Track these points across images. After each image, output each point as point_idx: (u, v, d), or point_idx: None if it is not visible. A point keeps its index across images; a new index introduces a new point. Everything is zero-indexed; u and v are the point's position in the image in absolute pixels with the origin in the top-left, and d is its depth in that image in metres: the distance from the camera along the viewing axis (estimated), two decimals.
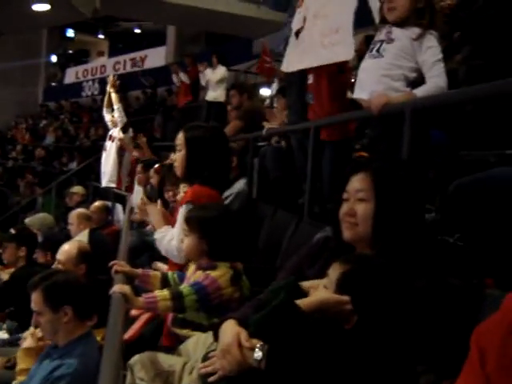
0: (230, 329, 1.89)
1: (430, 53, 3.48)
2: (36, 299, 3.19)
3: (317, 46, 4.36)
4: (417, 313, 1.82)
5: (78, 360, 2.98)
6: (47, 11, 8.96)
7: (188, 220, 2.89)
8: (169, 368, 2.27)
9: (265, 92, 12.14)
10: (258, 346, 1.74)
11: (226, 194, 4.94)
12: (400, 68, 3.58)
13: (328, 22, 4.31)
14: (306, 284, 1.94)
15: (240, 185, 5.52)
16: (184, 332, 2.70)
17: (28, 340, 3.64)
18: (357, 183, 2.12)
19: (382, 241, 2.03)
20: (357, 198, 2.10)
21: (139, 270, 3.04)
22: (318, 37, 4.37)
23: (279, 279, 2.26)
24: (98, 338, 3.46)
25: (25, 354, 3.60)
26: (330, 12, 4.31)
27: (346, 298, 1.77)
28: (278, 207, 4.94)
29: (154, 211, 3.60)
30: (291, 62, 4.78)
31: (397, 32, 3.57)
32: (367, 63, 3.75)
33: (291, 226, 4.14)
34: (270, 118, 6.41)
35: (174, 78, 13.69)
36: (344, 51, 4.12)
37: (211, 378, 1.91)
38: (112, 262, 3.02)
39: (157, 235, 3.39)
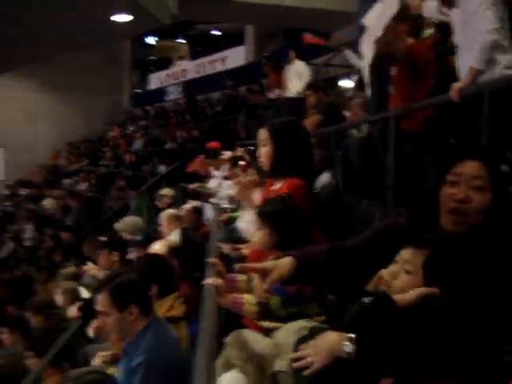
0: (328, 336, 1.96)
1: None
2: (102, 301, 3.32)
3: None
4: (502, 292, 1.83)
5: (148, 348, 3.14)
6: (127, 22, 9.25)
7: (259, 215, 2.98)
8: (260, 352, 2.37)
9: (345, 84, 12.10)
10: (348, 338, 1.81)
11: None
12: None
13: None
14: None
15: (325, 178, 5.57)
16: (265, 324, 2.80)
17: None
18: (472, 169, 2.05)
19: (489, 229, 2.00)
20: (473, 185, 2.03)
21: (226, 275, 3.15)
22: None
23: None
24: (163, 309, 3.63)
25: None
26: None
27: (436, 290, 1.81)
28: (364, 197, 4.97)
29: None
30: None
31: None
32: None
33: (376, 216, 4.16)
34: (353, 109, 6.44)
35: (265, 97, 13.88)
36: None
37: (305, 372, 1.99)
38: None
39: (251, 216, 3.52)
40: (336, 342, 1.84)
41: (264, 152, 3.51)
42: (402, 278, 1.93)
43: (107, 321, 3.34)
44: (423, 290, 1.83)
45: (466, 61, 3.51)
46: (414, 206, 2.28)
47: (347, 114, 6.93)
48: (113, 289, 3.32)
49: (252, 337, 2.52)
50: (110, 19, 8.99)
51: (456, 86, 3.40)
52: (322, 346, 1.89)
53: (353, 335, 1.80)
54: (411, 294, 1.83)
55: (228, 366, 2.45)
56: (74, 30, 9.40)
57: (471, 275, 1.82)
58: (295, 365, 2.02)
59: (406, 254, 1.95)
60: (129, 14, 8.92)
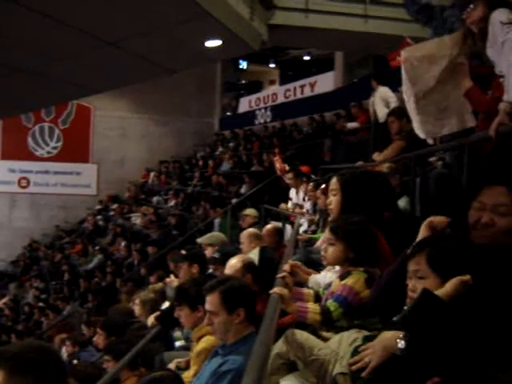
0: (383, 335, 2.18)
1: None
2: (213, 300, 3.51)
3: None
4: None
5: (244, 357, 3.23)
6: (218, 47, 9.54)
7: (335, 230, 3.14)
8: (322, 356, 2.52)
9: None
10: (401, 336, 1.96)
11: None
12: None
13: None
14: None
15: (402, 203, 5.63)
16: (329, 335, 2.94)
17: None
18: (497, 197, 2.24)
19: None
20: (497, 212, 2.22)
21: (294, 288, 3.33)
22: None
23: None
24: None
25: (197, 356, 4.00)
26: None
27: (467, 277, 1.96)
28: None
29: None
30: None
31: None
32: None
33: None
34: None
35: (344, 127, 14.05)
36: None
37: (363, 374, 2.18)
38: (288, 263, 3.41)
39: None
40: (390, 339, 2.00)
41: (333, 201, 3.68)
42: (418, 286, 2.07)
43: (215, 320, 3.51)
44: (455, 279, 1.96)
45: None
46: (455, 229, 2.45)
47: (430, 140, 6.95)
48: (225, 290, 3.51)
49: (316, 342, 2.67)
50: (201, 44, 9.31)
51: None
52: (378, 344, 2.05)
53: (404, 333, 1.95)
54: (446, 286, 1.96)
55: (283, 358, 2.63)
56: (166, 54, 9.78)
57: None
58: (354, 367, 2.20)
59: (411, 265, 2.11)
60: (219, 39, 9.21)
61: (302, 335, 2.68)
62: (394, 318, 2.17)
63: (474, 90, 4.23)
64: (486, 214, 2.23)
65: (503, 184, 2.24)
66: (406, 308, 2.07)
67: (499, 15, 3.60)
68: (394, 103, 10.37)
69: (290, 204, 9.82)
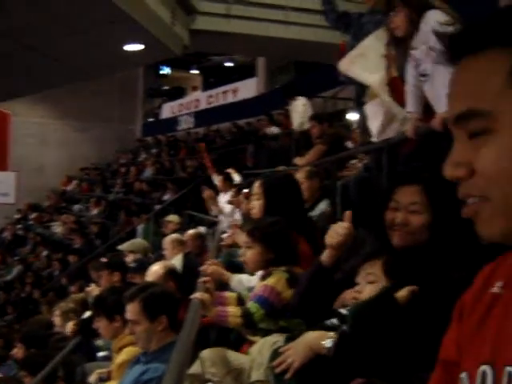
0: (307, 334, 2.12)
1: None
2: (133, 309, 3.42)
3: None
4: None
5: (166, 365, 3.20)
6: (139, 51, 9.43)
7: (251, 232, 3.10)
8: (239, 366, 2.47)
9: (352, 117, 12.27)
10: (330, 335, 1.93)
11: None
12: None
13: None
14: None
15: (323, 205, 5.67)
16: (255, 338, 2.90)
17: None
18: (409, 196, 2.22)
19: (437, 247, 2.14)
20: (410, 210, 2.20)
21: (215, 292, 3.24)
22: None
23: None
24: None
25: (118, 369, 3.90)
26: None
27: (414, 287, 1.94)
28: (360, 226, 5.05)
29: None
30: None
31: None
32: None
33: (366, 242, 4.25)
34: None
35: (267, 131, 14.13)
36: None
37: (287, 375, 2.12)
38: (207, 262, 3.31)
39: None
40: (316, 338, 1.96)
41: (257, 205, 3.66)
42: (366, 289, 2.05)
43: (136, 329, 3.43)
44: (408, 288, 1.94)
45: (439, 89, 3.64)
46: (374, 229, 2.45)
47: (350, 145, 7.08)
48: (145, 298, 3.43)
49: (230, 353, 2.63)
50: (121, 48, 9.18)
51: (441, 115, 3.52)
52: (301, 343, 2.01)
53: (333, 333, 1.92)
54: (403, 291, 1.94)
55: (198, 379, 2.57)
56: (85, 58, 9.60)
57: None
58: (278, 369, 2.14)
59: (365, 268, 2.09)
60: (140, 43, 9.11)
61: (216, 351, 2.64)
62: (327, 322, 2.12)
63: (396, 81, 4.32)
64: (401, 214, 2.22)
65: (416, 182, 2.25)
66: (358, 304, 2.04)
67: (435, 15, 3.67)
68: (306, 112, 10.45)
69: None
